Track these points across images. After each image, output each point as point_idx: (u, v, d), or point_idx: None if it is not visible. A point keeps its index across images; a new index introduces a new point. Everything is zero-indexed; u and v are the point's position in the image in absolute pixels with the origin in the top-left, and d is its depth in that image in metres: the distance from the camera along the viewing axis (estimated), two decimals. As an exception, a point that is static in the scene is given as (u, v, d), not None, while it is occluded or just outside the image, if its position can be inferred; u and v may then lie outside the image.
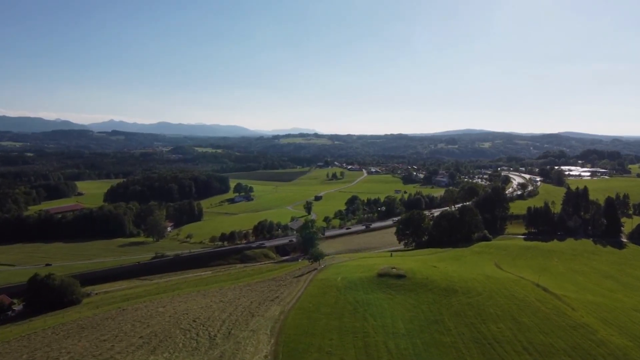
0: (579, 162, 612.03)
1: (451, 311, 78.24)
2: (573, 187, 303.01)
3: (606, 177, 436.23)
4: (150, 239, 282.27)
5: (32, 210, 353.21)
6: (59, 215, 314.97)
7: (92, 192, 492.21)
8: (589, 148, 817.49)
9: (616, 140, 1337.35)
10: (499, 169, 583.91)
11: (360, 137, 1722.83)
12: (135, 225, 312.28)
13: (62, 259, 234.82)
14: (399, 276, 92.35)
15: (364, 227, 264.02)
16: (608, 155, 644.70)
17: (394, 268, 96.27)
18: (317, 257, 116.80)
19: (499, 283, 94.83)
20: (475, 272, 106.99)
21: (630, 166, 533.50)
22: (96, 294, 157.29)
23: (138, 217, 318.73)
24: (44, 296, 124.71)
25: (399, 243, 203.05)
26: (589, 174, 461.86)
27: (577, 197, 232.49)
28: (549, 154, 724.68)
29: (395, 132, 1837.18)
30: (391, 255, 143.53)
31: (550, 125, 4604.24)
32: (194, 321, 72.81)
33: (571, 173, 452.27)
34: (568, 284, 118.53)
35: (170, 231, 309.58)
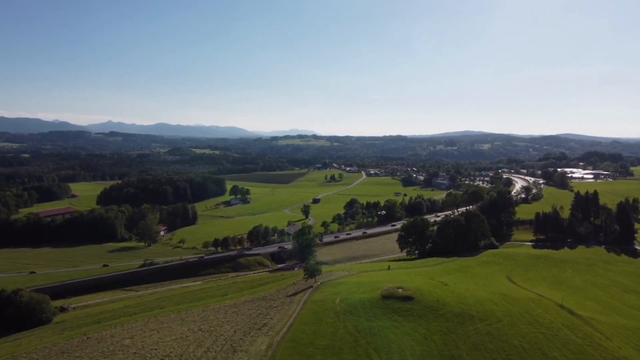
0: (580, 164, 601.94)
1: (469, 344, 66.67)
2: (576, 190, 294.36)
3: (609, 179, 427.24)
4: (142, 244, 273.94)
5: (23, 213, 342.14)
6: (49, 219, 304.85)
7: (86, 194, 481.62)
8: (590, 150, 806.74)
9: (616, 142, 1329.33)
10: (499, 171, 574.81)
11: (359, 139, 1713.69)
12: (127, 229, 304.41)
13: (48, 266, 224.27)
14: (406, 298, 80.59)
15: (363, 233, 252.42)
16: (609, 157, 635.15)
17: (400, 288, 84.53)
18: (312, 272, 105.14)
19: (518, 305, 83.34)
20: (489, 291, 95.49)
21: (632, 168, 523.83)
22: (73, 308, 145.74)
23: (130, 220, 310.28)
24: (11, 315, 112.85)
25: (401, 251, 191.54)
26: (591, 176, 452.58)
27: (587, 202, 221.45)
28: (549, 156, 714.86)
29: (394, 133, 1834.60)
30: (389, 269, 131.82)
31: (549, 126, 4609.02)
32: (163, 360, 61.10)
33: (573, 175, 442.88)
34: (590, 301, 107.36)
35: (163, 235, 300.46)
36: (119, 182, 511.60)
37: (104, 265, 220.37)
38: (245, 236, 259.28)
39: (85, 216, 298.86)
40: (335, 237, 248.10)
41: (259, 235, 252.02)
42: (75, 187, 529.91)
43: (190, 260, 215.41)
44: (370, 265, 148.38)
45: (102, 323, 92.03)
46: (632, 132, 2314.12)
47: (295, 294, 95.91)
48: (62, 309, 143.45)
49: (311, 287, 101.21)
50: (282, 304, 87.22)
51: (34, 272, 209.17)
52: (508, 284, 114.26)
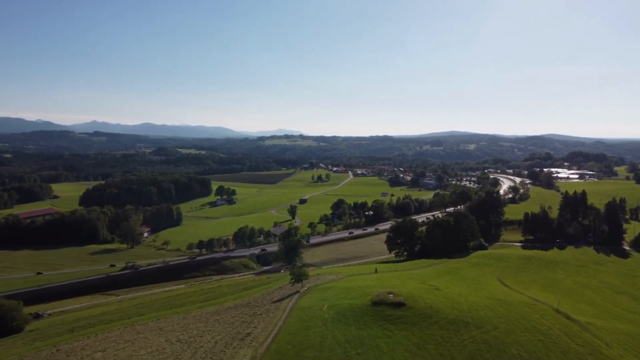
0: (565, 164, 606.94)
1: (465, 354, 62.78)
2: (563, 190, 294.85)
3: (595, 179, 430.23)
4: (125, 246, 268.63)
5: (2, 214, 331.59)
6: (28, 220, 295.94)
7: (68, 195, 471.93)
8: (574, 150, 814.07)
9: (599, 142, 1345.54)
10: (486, 171, 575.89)
11: (346, 139, 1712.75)
12: (110, 230, 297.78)
13: (28, 269, 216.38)
14: (398, 304, 76.44)
15: (350, 234, 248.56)
16: (594, 157, 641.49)
17: (390, 293, 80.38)
18: (299, 277, 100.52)
19: (514, 310, 79.84)
20: (483, 295, 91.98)
21: (616, 168, 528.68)
22: (49, 314, 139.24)
23: (113, 222, 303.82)
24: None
25: (390, 252, 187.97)
26: (577, 176, 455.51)
27: (576, 202, 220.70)
28: (535, 156, 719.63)
29: (381, 133, 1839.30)
30: (376, 271, 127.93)
31: (533, 127, 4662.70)
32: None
33: (559, 175, 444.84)
34: (584, 304, 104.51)
35: (146, 237, 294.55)
36: (102, 182, 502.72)
37: (83, 269, 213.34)
38: (230, 237, 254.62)
39: (67, 217, 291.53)
40: (323, 238, 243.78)
41: (244, 237, 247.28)
42: (57, 188, 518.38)
43: (174, 262, 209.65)
44: (359, 268, 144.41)
45: (76, 332, 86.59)
46: (615, 133, 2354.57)
47: (280, 300, 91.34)
48: (37, 316, 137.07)
49: (298, 292, 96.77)
50: (266, 311, 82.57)
51: (41, 273, 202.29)
52: (501, 287, 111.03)
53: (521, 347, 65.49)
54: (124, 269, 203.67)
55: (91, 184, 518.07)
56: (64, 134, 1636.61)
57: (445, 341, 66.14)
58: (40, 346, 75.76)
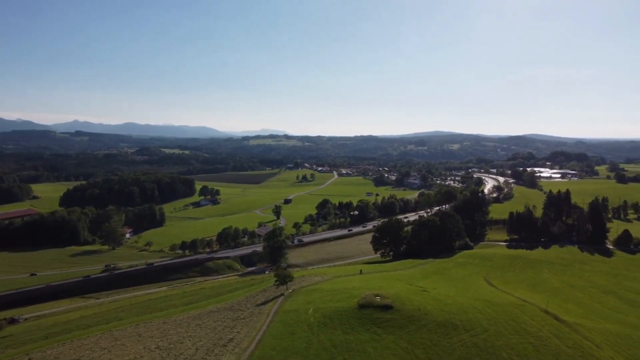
0: (547, 163, 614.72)
1: (455, 358, 60.95)
2: (546, 189, 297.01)
3: (576, 178, 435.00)
4: (106, 247, 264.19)
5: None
6: (6, 222, 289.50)
7: (48, 196, 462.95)
8: (556, 150, 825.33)
9: (580, 142, 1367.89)
10: (470, 170, 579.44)
11: (331, 139, 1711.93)
12: (91, 232, 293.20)
13: (5, 272, 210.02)
14: (385, 307, 74.42)
15: (336, 234, 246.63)
16: (575, 157, 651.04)
17: (377, 296, 78.36)
18: (283, 279, 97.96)
19: (503, 312, 78.44)
20: (471, 296, 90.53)
21: (597, 168, 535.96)
22: (25, 319, 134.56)
23: (94, 223, 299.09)
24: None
25: (376, 253, 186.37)
26: (559, 175, 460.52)
27: (559, 202, 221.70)
28: (518, 156, 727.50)
29: (365, 133, 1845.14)
30: (360, 273, 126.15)
31: (515, 127, 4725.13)
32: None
33: (542, 175, 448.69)
34: (571, 304, 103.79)
35: (128, 238, 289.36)
36: (84, 183, 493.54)
37: (63, 271, 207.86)
38: (214, 238, 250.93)
39: (46, 218, 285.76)
40: (308, 238, 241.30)
41: (228, 238, 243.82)
42: (37, 188, 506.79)
43: (156, 264, 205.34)
44: (345, 269, 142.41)
45: (51, 339, 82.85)
46: (595, 133, 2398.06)
47: (265, 303, 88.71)
48: (12, 321, 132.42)
49: (282, 294, 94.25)
50: (250, 315, 79.92)
51: (35, 274, 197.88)
52: (488, 288, 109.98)
53: (512, 350, 63.98)
54: (104, 270, 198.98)
55: (72, 184, 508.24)
56: (44, 134, 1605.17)
57: (435, 345, 64.32)
58: (12, 354, 72.07)
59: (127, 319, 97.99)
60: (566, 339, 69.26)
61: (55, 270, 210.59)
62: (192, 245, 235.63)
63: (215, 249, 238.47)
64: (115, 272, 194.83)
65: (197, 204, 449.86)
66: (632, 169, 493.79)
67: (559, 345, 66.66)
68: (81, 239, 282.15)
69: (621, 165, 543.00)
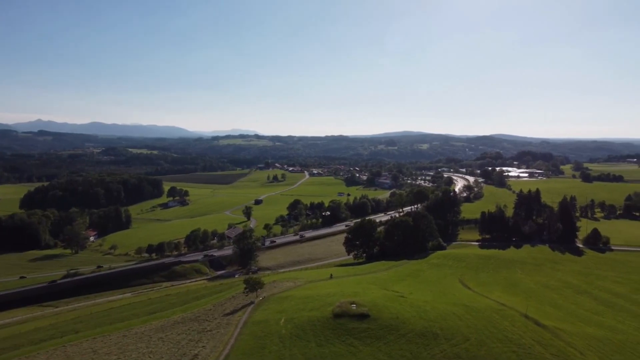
0: (515, 163, 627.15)
1: (437, 371, 57.31)
2: (514, 189, 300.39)
3: (543, 178, 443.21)
4: (69, 251, 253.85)
5: None
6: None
7: (8, 198, 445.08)
8: (522, 150, 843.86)
9: (544, 142, 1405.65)
10: (440, 170, 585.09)
11: (302, 139, 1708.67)
12: (53, 235, 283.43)
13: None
14: (362, 316, 70.07)
15: (308, 236, 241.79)
16: (541, 156, 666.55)
17: (353, 304, 73.96)
18: (253, 286, 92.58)
19: (482, 317, 75.30)
20: (449, 301, 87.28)
21: (562, 167, 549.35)
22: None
23: (56, 226, 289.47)
24: None
25: (348, 254, 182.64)
26: (526, 175, 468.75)
27: (530, 201, 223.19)
28: (486, 155, 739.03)
29: (336, 133, 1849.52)
30: (331, 277, 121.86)
31: (483, 127, 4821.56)
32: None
33: (510, 174, 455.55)
34: (547, 306, 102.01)
35: (92, 241, 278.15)
36: (46, 184, 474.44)
37: (21, 277, 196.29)
38: (182, 241, 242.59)
39: (4, 222, 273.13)
40: (279, 240, 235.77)
41: (197, 240, 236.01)
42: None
43: (120, 269, 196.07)
44: (318, 273, 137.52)
45: (-5, 357, 75.43)
46: (559, 133, 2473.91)
47: (233, 312, 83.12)
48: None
49: (252, 302, 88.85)
50: (217, 327, 74.28)
51: (25, 277, 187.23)
52: (464, 291, 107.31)
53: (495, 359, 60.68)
54: (65, 276, 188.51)
55: (34, 185, 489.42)
56: (5, 133, 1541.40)
57: (415, 357, 60.25)
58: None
59: (84, 331, 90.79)
60: (549, 346, 66.46)
61: (13, 277, 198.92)
62: (159, 249, 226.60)
63: (183, 252, 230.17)
64: (77, 277, 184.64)
65: (165, 205, 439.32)
66: (595, 167, 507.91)
67: (543, 353, 63.69)
68: (42, 242, 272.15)
69: (585, 165, 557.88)
